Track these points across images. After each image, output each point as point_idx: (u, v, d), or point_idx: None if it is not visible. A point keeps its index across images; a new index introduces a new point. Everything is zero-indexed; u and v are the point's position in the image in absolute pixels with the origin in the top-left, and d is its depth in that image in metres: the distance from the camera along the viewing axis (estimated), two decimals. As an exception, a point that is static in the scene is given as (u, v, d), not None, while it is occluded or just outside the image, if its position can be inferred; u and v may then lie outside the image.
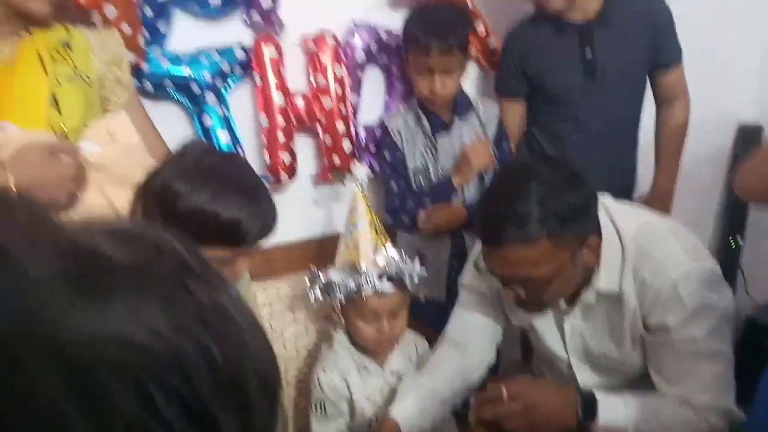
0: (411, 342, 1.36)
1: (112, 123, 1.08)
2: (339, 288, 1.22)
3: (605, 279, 1.13)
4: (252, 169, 1.07)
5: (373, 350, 1.29)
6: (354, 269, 1.21)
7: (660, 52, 1.63)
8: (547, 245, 1.02)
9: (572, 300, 1.19)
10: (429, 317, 1.47)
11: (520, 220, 1.01)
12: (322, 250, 1.66)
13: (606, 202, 1.18)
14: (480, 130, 1.64)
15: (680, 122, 1.73)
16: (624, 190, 1.73)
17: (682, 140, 1.76)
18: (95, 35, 1.21)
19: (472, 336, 1.31)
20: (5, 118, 1.03)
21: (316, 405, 1.29)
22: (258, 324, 0.36)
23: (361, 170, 1.39)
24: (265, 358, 0.35)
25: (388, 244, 1.25)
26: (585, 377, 1.25)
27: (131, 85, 1.24)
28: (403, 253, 1.25)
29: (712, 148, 2.27)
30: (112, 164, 1.03)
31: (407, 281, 1.24)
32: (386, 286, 1.21)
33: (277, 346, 1.48)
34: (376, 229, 1.27)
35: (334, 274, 1.22)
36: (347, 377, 1.28)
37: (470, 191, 1.62)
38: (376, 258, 1.21)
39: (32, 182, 0.93)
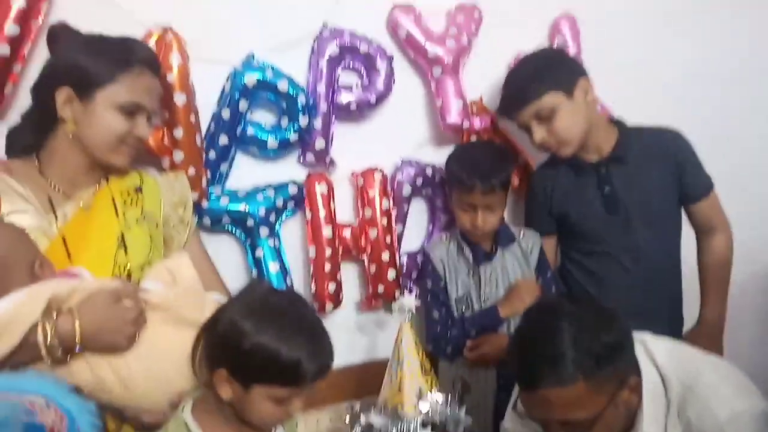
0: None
1: (174, 264, 1.15)
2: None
3: (650, 421, 1.08)
4: (312, 309, 1.12)
5: None
6: (396, 414, 1.20)
7: (687, 186, 1.64)
8: (583, 387, 1.00)
9: None
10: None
11: (553, 362, 1.00)
12: (363, 377, 1.66)
13: (645, 339, 1.15)
14: (522, 260, 1.66)
15: (722, 252, 1.70)
16: (671, 326, 1.69)
17: (726, 270, 1.72)
18: (164, 179, 1.33)
19: None
20: (78, 259, 1.12)
21: None
22: None
23: (409, 300, 1.41)
24: None
25: (435, 389, 1.24)
26: None
27: (193, 224, 1.34)
28: (448, 397, 1.24)
29: (763, 276, 2.21)
30: (171, 305, 1.08)
31: (450, 429, 1.22)
32: None
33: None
34: (422, 368, 1.27)
35: (375, 418, 1.22)
36: None
37: (517, 322, 1.61)
38: (419, 404, 1.21)
39: (96, 328, 0.99)
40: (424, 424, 1.20)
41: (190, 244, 1.32)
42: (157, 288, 1.09)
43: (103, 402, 1.03)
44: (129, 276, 1.16)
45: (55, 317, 0.96)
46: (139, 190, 1.26)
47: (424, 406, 1.20)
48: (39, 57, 1.27)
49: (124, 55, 1.15)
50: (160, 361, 1.06)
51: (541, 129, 1.55)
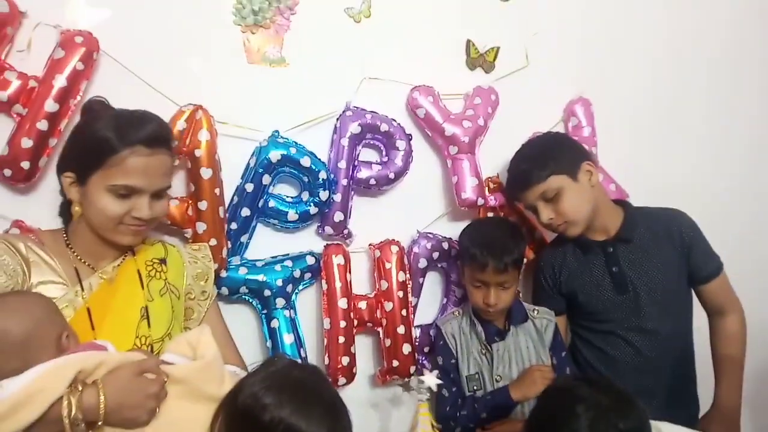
0: None
1: (195, 337, 1.15)
2: None
3: None
4: (330, 383, 1.11)
5: None
6: None
7: (696, 268, 1.64)
8: None
9: None
10: None
11: None
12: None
13: (661, 428, 1.12)
14: (536, 338, 1.64)
15: (734, 333, 1.67)
16: (686, 408, 1.67)
17: (740, 351, 1.69)
18: (188, 251, 1.35)
19: None
20: (101, 329, 1.14)
21: None
22: None
23: (431, 378, 1.40)
24: None
25: None
26: None
27: (214, 295, 1.36)
28: None
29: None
30: (192, 379, 1.08)
31: None
32: None
33: None
34: None
35: None
36: None
37: (531, 406, 1.58)
38: None
39: (119, 402, 1.00)
40: None
41: (209, 315, 1.34)
42: (178, 361, 1.10)
43: None
44: (150, 348, 1.18)
45: (80, 390, 0.97)
46: (163, 261, 1.28)
47: None
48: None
49: (116, 137, 1.13)
50: None
51: (548, 209, 1.58)
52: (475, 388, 1.59)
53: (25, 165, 1.29)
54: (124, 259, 1.25)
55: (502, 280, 1.54)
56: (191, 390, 1.07)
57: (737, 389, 1.67)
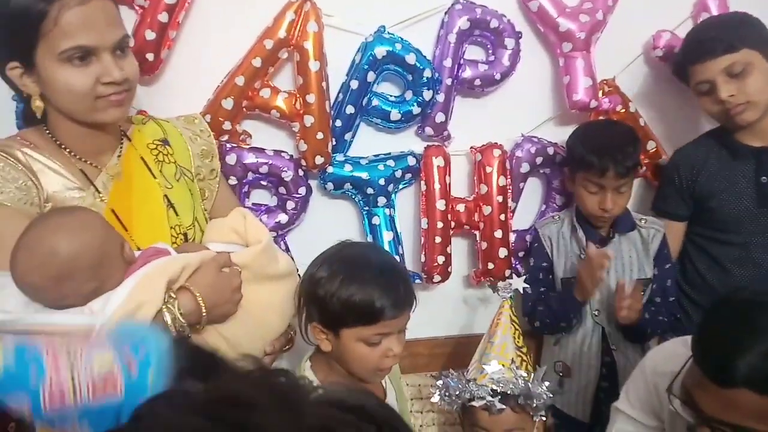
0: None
1: (238, 223, 1.15)
2: (456, 397, 1.25)
3: None
4: (386, 252, 1.20)
5: None
6: (471, 379, 1.24)
7: None
8: None
9: None
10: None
11: (765, 367, 0.90)
12: (463, 349, 1.68)
13: None
14: (641, 248, 1.60)
15: None
16: None
17: None
18: (183, 125, 1.23)
19: None
20: (134, 229, 1.08)
21: None
22: None
23: (518, 282, 1.42)
24: None
25: (522, 364, 1.26)
26: None
27: (220, 171, 1.27)
28: (537, 376, 1.25)
29: None
30: (255, 264, 1.10)
31: (526, 404, 1.23)
32: (498, 404, 1.22)
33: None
34: (515, 344, 1.29)
35: (451, 382, 1.26)
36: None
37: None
38: (495, 375, 1.24)
39: (214, 301, 1.01)
40: (493, 393, 1.22)
41: (223, 193, 1.27)
42: (233, 249, 1.11)
43: None
44: (185, 237, 1.14)
45: (175, 297, 0.97)
46: (165, 142, 1.18)
47: (498, 375, 1.22)
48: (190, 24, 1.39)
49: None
50: (256, 316, 1.10)
51: (731, 85, 1.45)
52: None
53: (150, 57, 1.36)
54: (121, 147, 1.13)
55: (620, 184, 1.50)
56: (255, 274, 1.10)
57: None
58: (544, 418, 1.28)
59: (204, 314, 1.00)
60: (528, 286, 1.45)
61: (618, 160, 1.47)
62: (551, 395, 1.26)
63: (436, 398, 1.31)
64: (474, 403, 1.23)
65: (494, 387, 1.23)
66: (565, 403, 1.60)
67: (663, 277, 1.61)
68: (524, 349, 1.33)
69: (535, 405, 1.25)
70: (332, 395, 0.42)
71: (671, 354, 1.13)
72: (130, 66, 1.05)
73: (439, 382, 1.30)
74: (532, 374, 1.27)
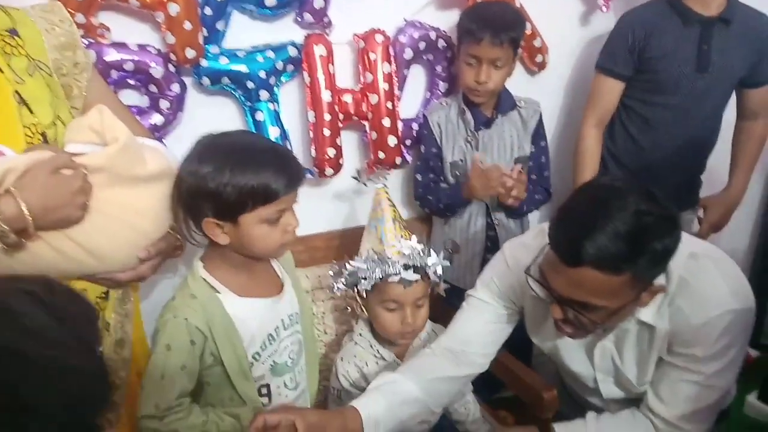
0: (432, 334, 1.41)
1: (96, 121, 1.04)
2: (364, 276, 1.29)
3: (648, 311, 1.12)
4: (259, 134, 1.21)
5: (395, 341, 1.36)
6: (380, 259, 1.28)
7: (756, 70, 1.69)
8: (625, 281, 0.97)
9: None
10: (458, 307, 1.52)
11: (607, 248, 0.94)
12: (359, 240, 1.72)
13: None
14: (521, 127, 1.68)
15: (762, 137, 1.82)
16: (689, 187, 1.85)
17: (759, 152, 1.85)
18: (40, 14, 1.09)
19: (471, 346, 1.27)
20: None
21: (333, 390, 1.38)
22: None
23: (382, 172, 1.46)
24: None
25: (413, 237, 1.32)
26: (608, 390, 1.27)
27: (90, 64, 1.16)
28: (428, 246, 1.32)
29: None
30: (113, 165, 1.02)
31: (430, 272, 1.30)
32: (411, 276, 1.28)
33: (319, 329, 1.56)
34: (400, 225, 1.34)
35: (360, 263, 1.29)
36: (363, 368, 1.35)
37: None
38: (401, 248, 1.28)
39: (43, 204, 0.93)
40: (405, 266, 1.27)
41: (94, 89, 1.15)
42: (88, 150, 1.02)
43: (75, 274, 1.03)
44: (44, 137, 1.03)
45: None
46: (14, 32, 1.04)
47: (406, 250, 1.28)
48: None
49: None
50: (120, 221, 1.04)
51: None
52: (457, 173, 1.66)
53: None
54: None
55: (496, 57, 1.53)
56: (116, 176, 1.02)
57: (746, 183, 1.86)
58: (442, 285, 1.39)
59: (29, 219, 0.92)
60: (390, 173, 1.50)
61: (495, 28, 1.50)
62: (448, 263, 1.36)
63: (341, 285, 1.33)
64: (390, 279, 1.27)
65: (406, 262, 1.28)
66: (454, 277, 1.70)
67: (539, 154, 1.71)
68: (407, 230, 1.39)
69: (436, 273, 1.33)
70: None
71: (531, 247, 1.19)
72: None
73: (348, 269, 1.32)
74: (428, 248, 1.33)
